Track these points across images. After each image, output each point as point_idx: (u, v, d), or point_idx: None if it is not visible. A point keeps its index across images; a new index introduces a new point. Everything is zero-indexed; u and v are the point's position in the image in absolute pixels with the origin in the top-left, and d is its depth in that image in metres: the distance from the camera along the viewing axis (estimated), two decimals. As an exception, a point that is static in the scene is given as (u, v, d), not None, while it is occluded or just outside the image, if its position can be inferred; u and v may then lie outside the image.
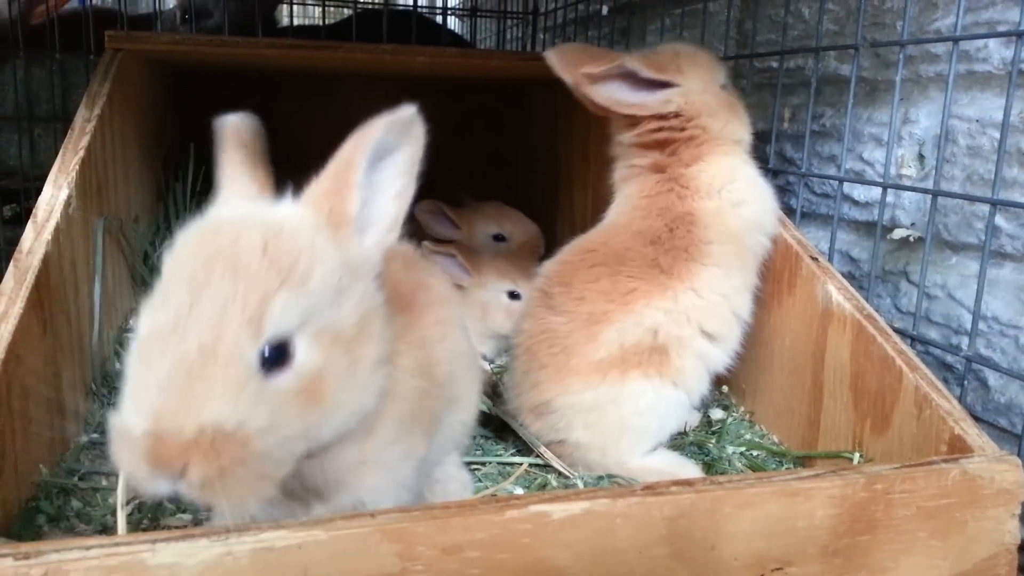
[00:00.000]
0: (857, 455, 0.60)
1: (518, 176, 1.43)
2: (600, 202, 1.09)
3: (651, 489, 0.43)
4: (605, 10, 1.28)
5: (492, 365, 1.00)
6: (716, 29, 1.03)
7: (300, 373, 0.40)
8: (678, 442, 0.68)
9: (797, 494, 0.45)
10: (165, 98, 1.19)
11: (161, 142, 1.11)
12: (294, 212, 0.42)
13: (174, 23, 1.59)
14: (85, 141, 0.76)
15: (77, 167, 0.72)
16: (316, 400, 0.40)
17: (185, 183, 1.05)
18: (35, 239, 0.62)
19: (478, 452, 0.68)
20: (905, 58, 0.69)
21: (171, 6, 1.72)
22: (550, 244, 1.22)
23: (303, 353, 0.40)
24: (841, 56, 0.81)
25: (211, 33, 1.55)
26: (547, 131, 1.30)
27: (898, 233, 0.73)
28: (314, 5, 1.71)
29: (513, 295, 0.98)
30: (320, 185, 0.42)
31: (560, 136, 1.24)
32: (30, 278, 0.58)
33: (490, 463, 0.65)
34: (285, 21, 1.77)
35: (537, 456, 0.66)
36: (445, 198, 1.41)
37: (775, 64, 0.91)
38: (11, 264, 0.59)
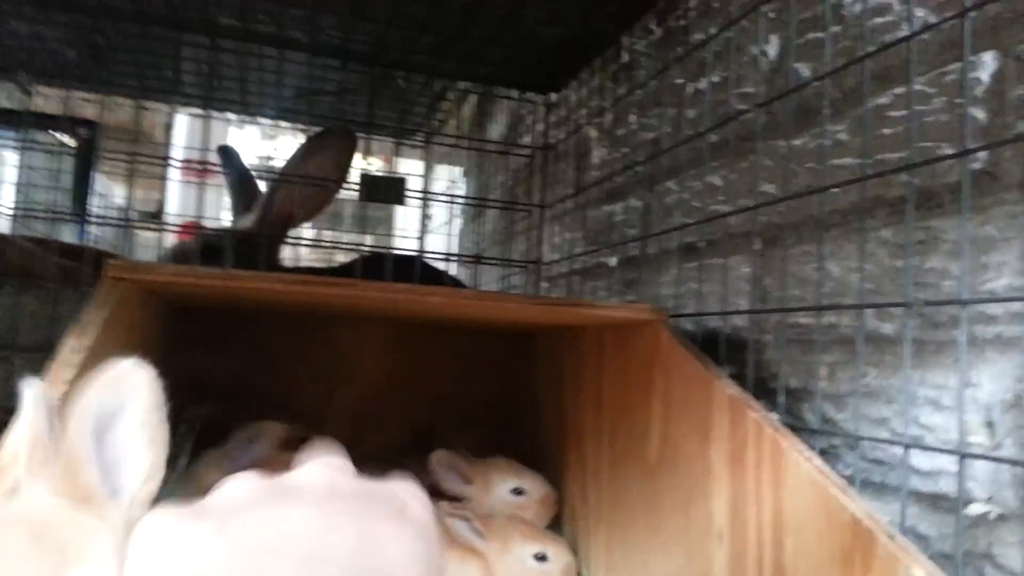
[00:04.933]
0: None
1: (521, 427, 1.36)
2: (618, 457, 1.01)
3: None
4: (614, 261, 1.29)
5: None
6: (733, 284, 1.02)
7: None
8: None
9: None
10: (162, 334, 1.14)
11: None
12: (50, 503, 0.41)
13: (178, 260, 1.58)
14: (69, 374, 0.69)
15: (56, 401, 0.64)
16: None
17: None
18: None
19: None
20: (960, 318, 0.65)
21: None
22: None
23: None
24: (880, 315, 0.79)
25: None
26: (552, 377, 1.25)
27: (974, 509, 0.65)
28: (318, 245, 1.73)
29: (540, 557, 0.87)
30: (60, 469, 0.42)
31: (567, 383, 1.19)
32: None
33: None
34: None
35: None
36: (444, 447, 1.33)
37: (803, 321, 0.89)
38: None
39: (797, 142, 0.94)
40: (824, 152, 0.87)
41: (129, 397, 0.43)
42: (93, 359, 0.76)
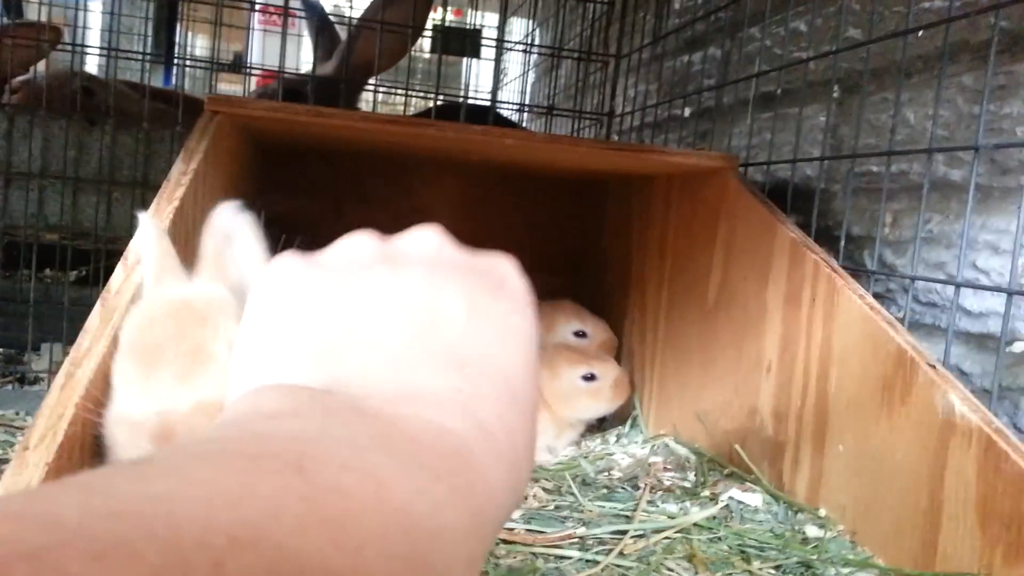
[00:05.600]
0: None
1: (586, 275, 1.41)
2: (677, 301, 1.06)
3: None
4: (687, 113, 1.29)
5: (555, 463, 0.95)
6: (807, 133, 1.02)
7: None
8: (781, 563, 0.62)
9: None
10: (254, 174, 1.21)
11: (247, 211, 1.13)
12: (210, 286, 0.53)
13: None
14: (180, 193, 0.76)
15: (171, 216, 0.72)
16: None
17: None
18: (124, 280, 0.61)
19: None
20: (1029, 164, 0.66)
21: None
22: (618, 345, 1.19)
23: None
24: (950, 161, 0.79)
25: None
26: (619, 228, 1.28)
27: (1019, 347, 0.68)
28: (392, 93, 1.76)
29: (589, 377, 0.95)
30: (209, 266, 0.54)
31: (633, 233, 1.23)
32: (116, 318, 0.56)
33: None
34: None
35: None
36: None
37: (875, 169, 0.89)
38: (98, 303, 0.58)
39: (887, -14, 0.91)
40: (914, -4, 0.85)
41: (238, 227, 0.53)
42: (197, 184, 0.83)
